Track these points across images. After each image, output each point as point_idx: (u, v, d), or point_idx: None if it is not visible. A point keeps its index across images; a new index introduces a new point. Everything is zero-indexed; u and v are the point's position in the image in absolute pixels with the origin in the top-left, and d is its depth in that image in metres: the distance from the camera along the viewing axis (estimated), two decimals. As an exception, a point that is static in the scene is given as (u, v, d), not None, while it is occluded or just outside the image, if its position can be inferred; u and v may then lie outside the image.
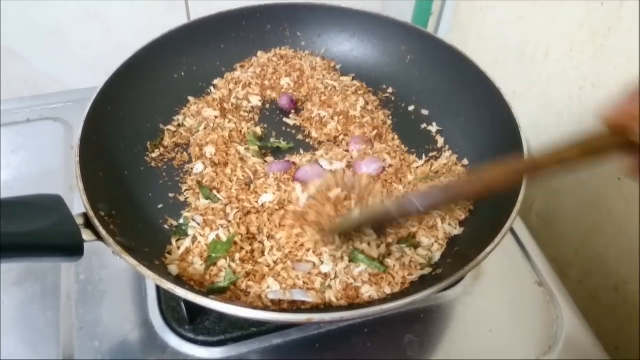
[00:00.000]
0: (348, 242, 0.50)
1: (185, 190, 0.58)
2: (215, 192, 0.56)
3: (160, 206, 0.56)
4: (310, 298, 0.46)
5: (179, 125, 0.64)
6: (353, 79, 0.72)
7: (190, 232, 0.53)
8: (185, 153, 0.62)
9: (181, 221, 0.54)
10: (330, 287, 0.48)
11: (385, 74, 0.72)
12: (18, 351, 0.53)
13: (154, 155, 0.61)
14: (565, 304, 0.60)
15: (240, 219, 0.53)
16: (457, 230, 0.54)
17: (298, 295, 0.47)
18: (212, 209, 0.54)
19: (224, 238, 0.51)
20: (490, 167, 0.40)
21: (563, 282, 0.62)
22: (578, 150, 0.34)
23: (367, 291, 0.48)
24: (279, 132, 0.66)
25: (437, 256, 0.52)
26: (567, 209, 0.73)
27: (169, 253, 0.51)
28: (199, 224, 0.53)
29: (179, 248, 0.52)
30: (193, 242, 0.52)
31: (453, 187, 0.46)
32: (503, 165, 0.39)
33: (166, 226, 0.54)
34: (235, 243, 0.51)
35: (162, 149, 0.62)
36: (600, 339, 0.58)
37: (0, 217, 0.40)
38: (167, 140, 0.63)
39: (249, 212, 0.54)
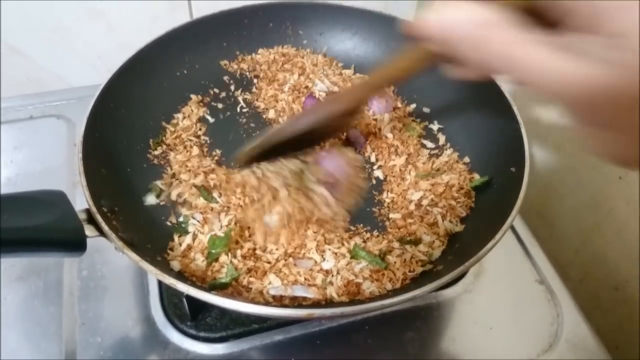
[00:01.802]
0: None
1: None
2: (215, 194, 0.56)
3: (162, 203, 0.57)
4: (312, 294, 0.47)
5: (177, 124, 0.65)
6: (355, 72, 0.72)
7: (191, 229, 0.53)
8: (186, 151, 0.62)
9: (181, 219, 0.55)
10: (331, 283, 0.48)
11: (387, 72, 0.72)
12: (20, 346, 0.53)
13: (156, 152, 0.61)
14: (565, 302, 0.60)
15: (235, 224, 0.53)
16: (458, 228, 0.54)
17: (299, 291, 0.47)
18: (211, 208, 0.55)
19: (220, 234, 0.51)
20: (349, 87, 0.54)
21: (563, 280, 0.62)
22: (403, 67, 0.41)
23: (368, 287, 0.48)
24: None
25: (437, 253, 0.52)
26: (567, 208, 0.74)
27: (171, 249, 0.52)
28: (198, 222, 0.54)
29: (180, 244, 0.52)
30: (193, 240, 0.52)
31: (325, 104, 0.53)
32: (355, 87, 0.49)
33: (168, 223, 0.55)
34: (237, 242, 0.52)
35: (164, 147, 0.62)
36: (600, 338, 0.58)
37: (4, 212, 0.41)
38: (169, 138, 0.63)
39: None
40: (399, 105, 0.69)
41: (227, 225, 0.53)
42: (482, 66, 0.28)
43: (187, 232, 0.53)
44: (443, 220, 0.55)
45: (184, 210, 0.55)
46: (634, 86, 0.23)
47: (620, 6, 0.25)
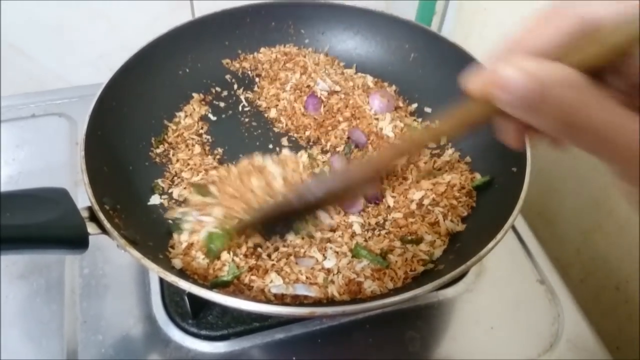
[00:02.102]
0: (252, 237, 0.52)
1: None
2: (213, 189, 0.56)
3: (164, 201, 0.57)
4: (313, 292, 0.47)
5: (179, 123, 0.65)
6: (356, 71, 0.73)
7: (187, 226, 0.53)
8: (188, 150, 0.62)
9: (178, 216, 0.54)
10: (332, 282, 0.48)
11: (388, 71, 0.72)
12: (22, 344, 0.53)
13: (158, 150, 0.61)
14: (566, 302, 0.60)
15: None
16: (459, 227, 0.55)
17: (301, 290, 0.47)
18: (206, 204, 0.54)
19: (215, 230, 0.51)
20: (378, 152, 0.41)
21: (564, 280, 0.62)
22: (455, 123, 0.34)
23: (370, 286, 0.48)
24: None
25: (439, 252, 0.52)
26: (568, 208, 0.74)
27: (173, 247, 0.52)
28: (195, 219, 0.53)
29: (181, 243, 0.52)
30: (190, 236, 0.52)
31: (346, 172, 0.48)
32: (389, 148, 0.44)
33: (169, 220, 0.55)
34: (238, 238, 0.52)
35: (166, 145, 0.62)
36: (601, 338, 0.58)
37: (6, 210, 0.41)
38: (171, 136, 0.63)
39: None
40: (401, 104, 0.69)
41: (221, 218, 0.52)
42: (568, 138, 0.24)
43: (183, 230, 0.53)
44: (444, 220, 0.55)
45: (181, 208, 0.55)
46: None
47: None
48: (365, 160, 0.49)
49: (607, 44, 0.25)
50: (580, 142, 0.25)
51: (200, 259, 0.50)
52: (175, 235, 0.53)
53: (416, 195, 0.57)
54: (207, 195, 0.55)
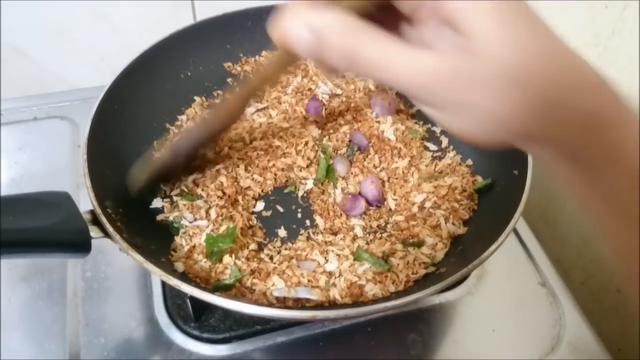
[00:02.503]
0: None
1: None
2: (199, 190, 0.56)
3: (165, 204, 0.57)
4: (315, 296, 0.47)
5: (181, 126, 0.65)
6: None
7: (182, 230, 0.53)
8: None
9: (171, 218, 0.55)
10: (334, 285, 0.48)
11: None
12: (24, 347, 0.53)
13: (160, 154, 0.61)
14: (567, 305, 0.60)
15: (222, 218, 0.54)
16: (461, 230, 0.55)
17: (303, 293, 0.47)
18: (194, 205, 0.55)
19: (210, 232, 0.52)
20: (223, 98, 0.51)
21: (566, 283, 0.62)
22: (274, 67, 0.41)
23: (371, 289, 0.48)
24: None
25: (440, 255, 0.52)
26: (570, 210, 0.74)
27: (175, 250, 0.52)
28: (190, 222, 0.54)
29: (183, 246, 0.52)
30: (185, 239, 0.52)
31: (203, 122, 0.54)
32: (232, 94, 0.49)
33: (172, 223, 0.55)
34: (241, 240, 0.52)
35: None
36: (602, 341, 0.58)
37: (9, 213, 0.41)
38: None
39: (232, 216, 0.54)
40: (402, 107, 0.69)
41: (216, 219, 0.53)
42: (355, 72, 0.29)
43: (178, 231, 0.53)
44: (446, 223, 0.55)
45: (174, 213, 0.55)
46: (460, 67, 0.26)
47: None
48: (217, 107, 0.54)
49: None
50: (365, 75, 0.30)
51: (202, 262, 0.50)
52: (177, 239, 0.53)
53: (418, 198, 0.57)
54: (195, 198, 0.55)
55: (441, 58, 0.26)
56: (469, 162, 0.62)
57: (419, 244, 0.53)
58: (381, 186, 0.59)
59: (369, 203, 0.58)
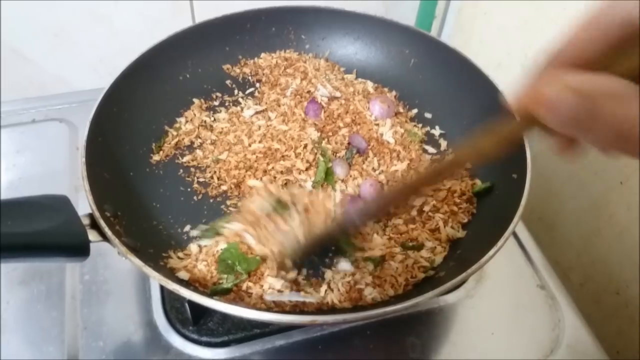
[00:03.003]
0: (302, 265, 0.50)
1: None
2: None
3: (165, 207, 0.57)
4: (310, 299, 0.47)
5: (180, 128, 0.65)
6: (357, 77, 0.73)
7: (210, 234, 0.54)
8: (189, 155, 0.62)
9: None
10: (331, 289, 0.48)
11: (388, 77, 0.72)
12: (22, 350, 0.53)
13: (158, 156, 0.61)
14: (566, 307, 0.60)
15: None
16: (460, 234, 0.55)
17: (296, 297, 0.47)
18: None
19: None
20: (416, 173, 0.41)
21: (565, 285, 0.62)
22: (495, 141, 0.33)
23: (370, 293, 0.48)
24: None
25: (439, 259, 0.52)
26: (569, 212, 0.74)
27: (171, 257, 0.51)
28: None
29: (191, 251, 0.52)
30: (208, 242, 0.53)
31: (384, 197, 0.49)
32: (426, 169, 0.41)
33: (181, 231, 0.55)
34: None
35: (167, 151, 0.62)
36: (601, 343, 0.58)
37: (7, 217, 0.41)
38: (172, 142, 0.63)
39: None
40: (401, 110, 0.69)
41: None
42: (619, 150, 0.23)
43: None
44: (445, 226, 0.55)
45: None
46: None
47: None
48: (403, 183, 0.48)
49: None
50: (631, 153, 0.24)
51: (201, 266, 0.50)
52: (190, 246, 0.53)
53: (417, 201, 0.57)
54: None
55: None
56: (468, 165, 0.61)
57: (418, 248, 0.53)
58: (380, 189, 0.59)
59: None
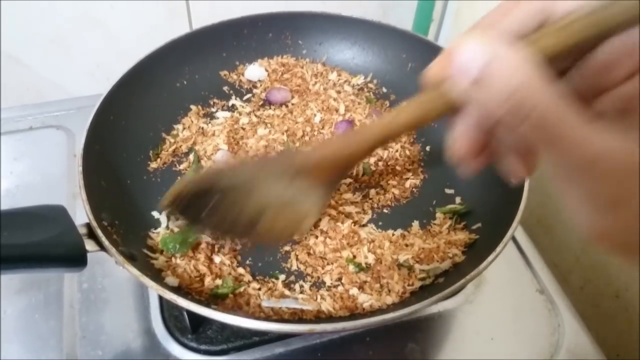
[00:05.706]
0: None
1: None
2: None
3: (162, 216, 0.57)
4: (308, 307, 0.47)
5: (177, 135, 0.65)
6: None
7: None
8: (187, 162, 0.62)
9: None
10: (323, 298, 0.48)
11: (386, 81, 0.72)
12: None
13: (156, 164, 0.61)
14: (566, 312, 0.60)
15: None
16: (459, 258, 0.54)
17: (291, 304, 0.47)
18: None
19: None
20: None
21: (564, 288, 0.62)
22: (417, 113, 0.31)
23: (365, 300, 0.48)
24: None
25: (438, 269, 0.52)
26: (567, 216, 0.74)
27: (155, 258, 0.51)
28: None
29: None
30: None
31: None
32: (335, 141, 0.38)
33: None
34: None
35: (164, 158, 0.62)
36: (601, 346, 0.58)
37: (4, 229, 0.41)
38: (169, 149, 0.63)
39: None
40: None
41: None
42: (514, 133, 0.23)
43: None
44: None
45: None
46: None
47: None
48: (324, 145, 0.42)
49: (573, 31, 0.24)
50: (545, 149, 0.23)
51: (182, 265, 0.50)
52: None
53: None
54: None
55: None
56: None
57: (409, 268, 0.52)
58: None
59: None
